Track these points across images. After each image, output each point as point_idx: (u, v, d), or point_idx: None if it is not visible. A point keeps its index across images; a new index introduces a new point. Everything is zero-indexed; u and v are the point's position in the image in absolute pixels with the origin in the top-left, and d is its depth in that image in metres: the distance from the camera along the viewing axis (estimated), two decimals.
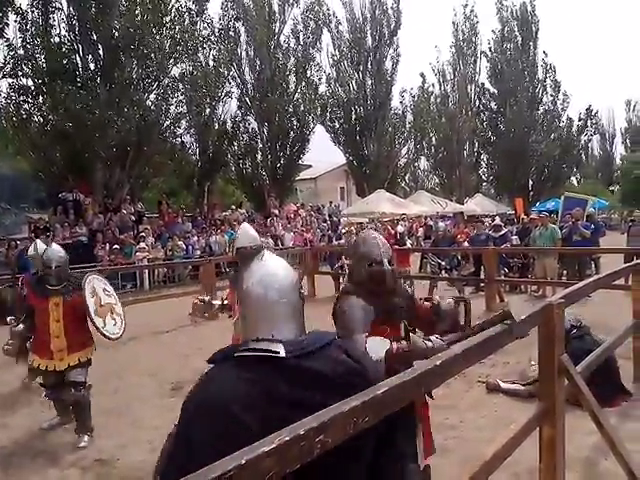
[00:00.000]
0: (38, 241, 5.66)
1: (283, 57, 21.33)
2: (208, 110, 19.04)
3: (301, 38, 21.79)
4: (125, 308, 5.02)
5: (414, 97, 27.09)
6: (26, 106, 14.34)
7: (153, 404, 4.84)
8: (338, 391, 1.26)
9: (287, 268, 1.42)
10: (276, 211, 19.85)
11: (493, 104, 28.93)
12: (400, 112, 26.27)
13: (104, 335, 4.19)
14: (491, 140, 29.05)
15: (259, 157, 21.78)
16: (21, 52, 13.91)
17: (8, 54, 13.70)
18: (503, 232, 10.36)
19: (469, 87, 29.42)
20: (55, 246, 4.39)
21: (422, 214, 20.59)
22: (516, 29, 27.99)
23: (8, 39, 13.68)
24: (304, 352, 1.28)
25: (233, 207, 20.20)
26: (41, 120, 14.59)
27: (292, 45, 21.75)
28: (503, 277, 9.54)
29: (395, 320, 2.40)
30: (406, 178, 33.06)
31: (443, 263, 9.70)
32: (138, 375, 5.80)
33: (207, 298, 4.67)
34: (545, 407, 2.68)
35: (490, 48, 28.47)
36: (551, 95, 28.29)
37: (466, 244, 10.03)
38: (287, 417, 1.16)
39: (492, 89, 28.84)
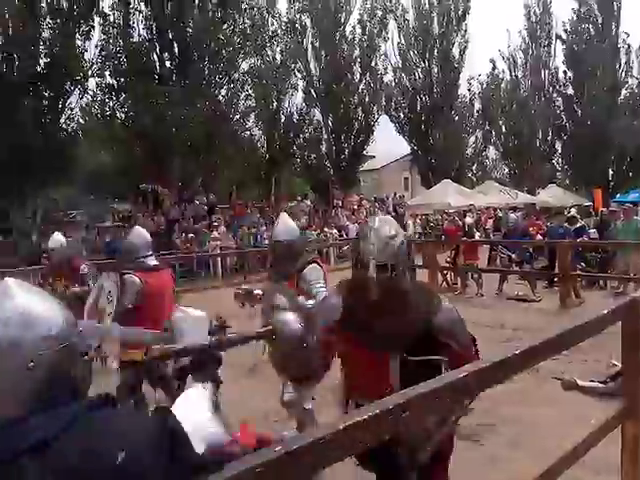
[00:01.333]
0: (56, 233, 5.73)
1: (348, 48, 21.33)
2: (275, 103, 19.49)
3: (367, 28, 21.66)
4: (199, 294, 5.30)
5: (482, 84, 26.11)
6: (110, 103, 15.40)
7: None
8: None
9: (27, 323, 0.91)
10: (340, 202, 20.00)
11: (569, 89, 27.24)
12: (468, 100, 25.44)
13: None
14: (566, 127, 27.41)
15: (324, 148, 22.02)
16: (104, 53, 14.94)
17: (94, 55, 14.77)
18: (579, 225, 9.87)
19: (542, 72, 27.87)
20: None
21: (491, 205, 19.88)
22: (596, 8, 26.10)
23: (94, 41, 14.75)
24: None
25: (299, 198, 20.58)
26: (123, 117, 15.62)
27: (358, 35, 21.69)
28: (579, 272, 9.10)
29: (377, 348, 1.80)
30: (473, 168, 32.02)
31: (514, 256, 9.40)
32: None
33: (247, 287, 4.43)
34: (628, 404, 2.63)
35: (566, 30, 26.77)
36: (636, 78, 26.19)
37: (539, 237, 9.65)
38: None
39: (568, 73, 27.16)
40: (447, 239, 11.02)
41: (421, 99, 24.51)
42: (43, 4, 13.50)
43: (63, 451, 0.81)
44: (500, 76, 27.72)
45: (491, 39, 46.18)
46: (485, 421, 3.85)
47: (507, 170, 31.20)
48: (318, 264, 3.30)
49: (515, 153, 28.15)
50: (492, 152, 32.82)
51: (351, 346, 1.86)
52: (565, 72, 27.36)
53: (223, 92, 16.89)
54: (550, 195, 23.53)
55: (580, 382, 4.47)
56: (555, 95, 27.90)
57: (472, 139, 26.06)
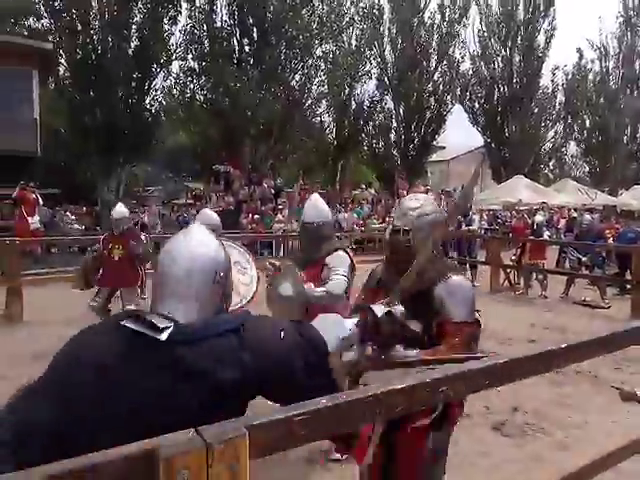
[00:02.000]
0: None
1: (426, 35, 20.86)
2: (347, 90, 19.55)
3: (447, 14, 21.05)
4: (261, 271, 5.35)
5: (568, 75, 24.59)
6: (191, 86, 16.19)
7: None
8: (194, 384, 1.11)
9: (210, 250, 1.29)
10: (404, 192, 19.80)
11: None
12: (550, 91, 24.08)
13: None
14: None
15: (392, 137, 21.83)
16: (189, 37, 15.69)
17: (179, 39, 15.56)
18: None
19: (637, 63, 25.76)
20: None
21: (566, 205, 18.89)
22: None
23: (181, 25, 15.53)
24: (186, 338, 1.14)
25: (363, 186, 20.64)
26: (202, 99, 16.38)
27: (437, 22, 21.14)
28: None
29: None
30: (551, 165, 30.40)
31: (584, 259, 8.97)
32: None
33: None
34: None
35: None
36: None
37: (611, 241, 9.14)
38: (120, 397, 1.09)
39: None
40: (514, 236, 10.69)
41: (499, 89, 23.55)
42: None
43: (245, 335, 1.19)
44: (588, 67, 25.98)
45: (579, 26, 43.00)
46: (535, 422, 3.86)
47: (587, 168, 29.34)
48: (346, 252, 3.24)
49: (598, 150, 26.38)
50: (573, 148, 31.01)
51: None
52: None
53: (297, 77, 17.22)
54: (635, 197, 21.92)
55: None
56: None
57: (551, 133, 24.70)
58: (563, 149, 29.06)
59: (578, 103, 24.50)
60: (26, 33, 15.26)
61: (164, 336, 1.11)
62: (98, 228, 14.40)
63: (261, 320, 1.31)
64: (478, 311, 2.02)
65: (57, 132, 16.22)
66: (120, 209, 5.86)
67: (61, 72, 14.48)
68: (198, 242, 1.30)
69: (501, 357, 1.65)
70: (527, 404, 4.13)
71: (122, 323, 1.15)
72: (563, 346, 1.83)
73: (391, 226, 2.07)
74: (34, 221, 10.39)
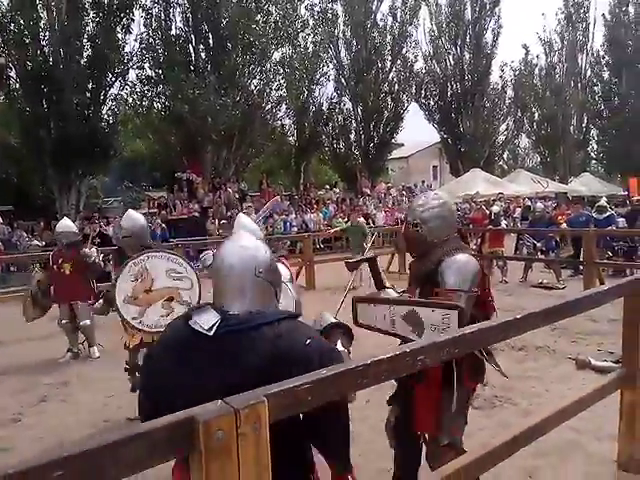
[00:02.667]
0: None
1: (379, 36, 21.41)
2: (306, 93, 19.80)
3: (398, 15, 21.66)
4: None
5: (515, 71, 25.72)
6: (148, 94, 16.04)
7: None
8: (225, 368, 1.37)
9: (249, 249, 1.53)
10: (367, 190, 20.24)
11: (606, 74, 26.55)
12: (500, 87, 25.14)
13: (132, 326, 3.50)
14: (603, 114, 26.78)
15: (352, 137, 22.25)
16: (144, 45, 15.55)
17: (134, 47, 15.40)
18: (608, 214, 9.91)
19: (579, 57, 27.21)
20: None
21: (521, 194, 19.80)
22: None
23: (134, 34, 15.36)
24: (232, 329, 1.40)
25: (327, 186, 20.95)
26: (160, 107, 16.26)
27: (389, 23, 21.73)
28: (605, 260, 9.19)
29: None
30: (505, 156, 31.65)
31: (539, 244, 9.54)
32: None
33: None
34: (627, 372, 2.91)
35: (604, 13, 26.02)
36: None
37: (564, 226, 9.75)
38: (183, 379, 1.41)
39: (607, 58, 26.43)
40: (473, 227, 11.20)
41: (452, 86, 24.38)
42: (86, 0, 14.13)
43: (281, 329, 1.43)
44: (534, 62, 27.23)
45: (524, 24, 44.93)
46: (502, 394, 4.20)
47: (539, 158, 30.73)
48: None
49: (548, 141, 27.70)
50: (524, 140, 32.42)
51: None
52: (603, 56, 26.67)
53: (255, 82, 17.33)
54: (583, 184, 23.17)
55: (594, 362, 4.73)
56: (593, 80, 27.23)
57: (503, 127, 25.76)
58: (515, 141, 30.33)
59: (527, 97, 25.61)
60: None
61: (211, 332, 1.41)
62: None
63: (299, 325, 1.54)
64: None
65: (8, 146, 15.72)
66: (64, 222, 5.79)
67: (11, 84, 14.06)
68: (239, 244, 1.57)
69: (468, 328, 1.92)
70: (495, 380, 4.47)
71: (188, 322, 1.47)
72: (518, 317, 2.14)
73: (405, 222, 2.58)
74: None
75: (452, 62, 24.21)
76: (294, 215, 16.18)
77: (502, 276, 9.40)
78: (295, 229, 15.51)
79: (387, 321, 2.27)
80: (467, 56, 24.16)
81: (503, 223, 10.83)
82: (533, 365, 4.96)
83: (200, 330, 1.42)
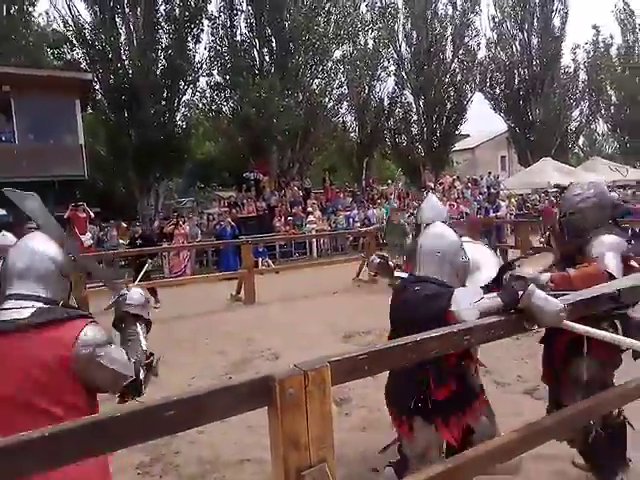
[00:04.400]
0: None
1: (440, 26, 21.06)
2: (367, 89, 19.93)
3: (458, 4, 21.20)
4: (298, 271, 5.88)
5: (589, 52, 24.24)
6: (217, 99, 16.90)
7: (329, 347, 5.89)
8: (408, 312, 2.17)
9: (444, 239, 2.34)
10: (431, 184, 20.00)
11: None
12: (572, 70, 23.83)
13: None
14: None
15: (414, 130, 22.06)
16: (212, 53, 16.40)
17: (203, 56, 16.30)
18: None
19: None
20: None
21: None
22: None
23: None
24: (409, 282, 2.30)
25: (389, 181, 20.94)
26: (228, 111, 17.08)
27: (450, 12, 21.31)
28: None
29: None
30: (580, 144, 29.90)
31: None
32: (317, 325, 6.93)
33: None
34: None
35: None
36: None
37: None
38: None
39: None
40: (544, 219, 10.86)
41: (519, 73, 23.45)
42: (160, 14, 15.14)
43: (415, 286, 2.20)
44: (608, 41, 25.49)
45: (592, 4, 41.91)
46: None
47: (618, 145, 28.74)
48: None
49: (627, 125, 25.84)
50: (602, 125, 30.42)
51: None
52: None
53: (317, 81, 17.70)
54: None
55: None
56: None
57: (576, 113, 24.38)
58: (592, 126, 28.55)
59: (603, 79, 24.07)
60: (60, 63, 16.24)
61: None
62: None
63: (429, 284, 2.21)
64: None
65: (96, 154, 17.20)
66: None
67: (97, 97, 15.37)
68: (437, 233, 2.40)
69: (505, 314, 2.05)
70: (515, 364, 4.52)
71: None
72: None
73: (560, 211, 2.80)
74: (86, 238, 11.08)
75: (519, 48, 23.27)
76: (356, 211, 16.39)
77: None
78: (358, 225, 15.72)
79: None
80: (535, 40, 23.11)
81: None
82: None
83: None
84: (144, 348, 1.82)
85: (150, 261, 8.69)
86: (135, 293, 1.97)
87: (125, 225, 13.49)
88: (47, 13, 17.50)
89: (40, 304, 1.64)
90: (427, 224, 3.35)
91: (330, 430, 1.52)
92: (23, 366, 1.54)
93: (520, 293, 1.95)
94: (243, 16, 16.58)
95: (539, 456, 2.65)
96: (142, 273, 6.14)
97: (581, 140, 29.57)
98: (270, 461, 1.51)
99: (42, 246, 1.74)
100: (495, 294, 2.04)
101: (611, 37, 25.68)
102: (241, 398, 1.42)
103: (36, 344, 1.55)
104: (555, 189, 16.03)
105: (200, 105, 17.29)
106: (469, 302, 2.03)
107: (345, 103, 19.29)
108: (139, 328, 1.89)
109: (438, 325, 1.84)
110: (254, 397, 1.44)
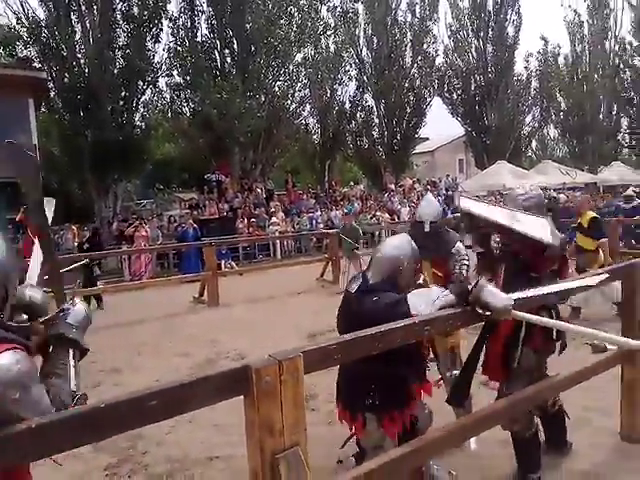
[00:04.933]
0: None
1: (400, 33, 21.57)
2: (329, 92, 20.15)
3: (417, 11, 21.80)
4: (262, 272, 5.87)
5: (540, 61, 25.41)
6: (177, 100, 16.68)
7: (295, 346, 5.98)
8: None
9: (398, 249, 2.53)
10: (392, 186, 20.43)
11: (637, 60, 25.92)
12: (524, 78, 24.91)
13: None
14: (634, 101, 26.17)
15: (375, 134, 22.48)
16: (172, 53, 16.18)
17: (163, 55, 16.06)
18: (635, 203, 9.92)
19: (606, 43, 26.65)
20: None
21: (548, 185, 19.59)
22: None
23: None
24: (364, 292, 2.39)
25: (352, 183, 21.25)
26: (189, 111, 16.89)
27: (409, 19, 21.88)
28: (627, 249, 9.22)
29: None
30: (533, 147, 31.21)
31: (562, 236, 9.60)
32: (281, 325, 7.00)
33: None
34: (627, 350, 3.14)
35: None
36: None
37: None
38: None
39: (635, 43, 25.81)
40: None
41: (475, 79, 24.30)
42: (118, 13, 14.81)
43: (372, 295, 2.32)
44: (556, 51, 26.82)
45: (544, 14, 44.15)
46: None
47: (567, 149, 30.22)
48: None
49: (575, 131, 27.24)
50: (553, 131, 31.89)
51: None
52: (630, 42, 26.08)
53: (279, 84, 17.77)
54: (614, 174, 22.69)
55: (609, 346, 4.92)
56: (622, 66, 26.62)
57: (529, 118, 25.52)
58: (544, 131, 29.86)
59: (552, 87, 25.25)
60: (13, 61, 15.62)
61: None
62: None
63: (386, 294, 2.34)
64: None
65: (49, 154, 16.62)
66: None
67: (51, 96, 14.87)
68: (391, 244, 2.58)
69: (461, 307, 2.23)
70: None
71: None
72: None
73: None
74: None
75: (475, 55, 24.13)
76: (319, 212, 16.55)
77: None
78: (321, 226, 15.88)
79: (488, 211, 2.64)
80: (490, 48, 24.03)
81: None
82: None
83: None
84: (72, 387, 1.47)
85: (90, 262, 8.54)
86: (79, 311, 1.65)
87: (74, 228, 13.13)
88: None
89: None
90: (427, 220, 3.64)
91: (303, 416, 1.62)
92: None
93: (470, 287, 2.13)
94: (204, 17, 16.47)
95: (507, 442, 2.86)
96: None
97: (534, 144, 30.87)
98: (237, 457, 1.61)
99: None
100: (447, 291, 2.22)
101: (559, 46, 27.01)
102: (220, 387, 1.51)
103: None
104: (508, 192, 16.71)
105: (159, 105, 17.03)
106: (424, 303, 2.19)
107: (307, 105, 19.45)
108: (71, 358, 1.53)
109: None
110: (232, 386, 1.54)
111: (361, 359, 2.00)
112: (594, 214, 6.73)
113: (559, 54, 26.98)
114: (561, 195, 10.88)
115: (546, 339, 2.75)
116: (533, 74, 25.26)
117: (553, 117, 27.56)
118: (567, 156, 30.69)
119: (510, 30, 24.07)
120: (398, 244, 2.52)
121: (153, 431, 3.71)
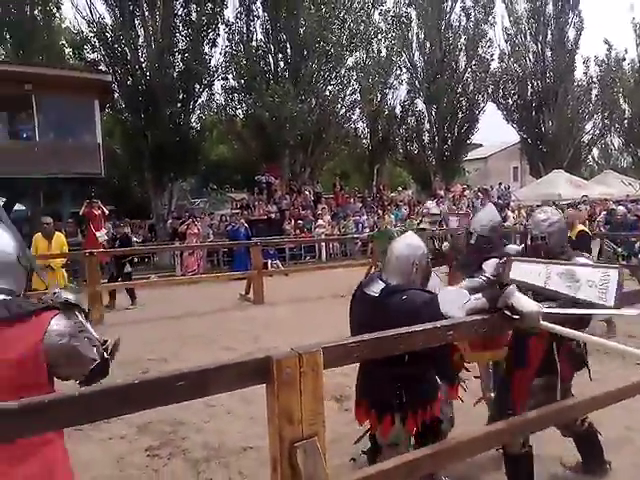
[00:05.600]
0: None
1: (453, 36, 21.23)
2: (379, 96, 20.14)
3: (472, 14, 21.35)
4: (307, 273, 5.98)
5: (601, 66, 24.20)
6: (232, 103, 17.23)
7: None
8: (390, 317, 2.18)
9: (410, 246, 2.54)
10: (441, 192, 20.08)
11: None
12: (585, 83, 23.81)
13: None
14: None
15: (426, 139, 22.21)
16: (228, 58, 16.74)
17: (219, 60, 16.64)
18: None
19: None
20: None
21: (609, 197, 18.64)
22: None
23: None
24: (389, 293, 2.38)
25: (400, 188, 21.08)
26: (242, 114, 17.40)
27: (463, 23, 21.49)
28: None
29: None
30: (595, 156, 29.77)
31: (620, 250, 9.16)
32: (322, 325, 7.05)
33: None
34: None
35: None
36: None
37: None
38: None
39: None
40: None
41: (532, 85, 23.50)
42: (178, 18, 15.49)
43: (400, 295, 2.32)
44: (621, 55, 25.44)
45: (605, 18, 41.76)
46: None
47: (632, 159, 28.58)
48: None
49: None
50: (617, 140, 30.25)
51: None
52: None
53: (330, 88, 17.97)
54: None
55: None
56: None
57: (589, 125, 24.36)
58: (607, 139, 28.40)
59: (615, 93, 24.00)
60: (81, 64, 16.64)
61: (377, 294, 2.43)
62: (153, 239, 15.68)
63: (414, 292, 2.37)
64: None
65: (112, 153, 17.59)
66: None
67: (115, 97, 15.74)
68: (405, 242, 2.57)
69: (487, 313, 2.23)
70: None
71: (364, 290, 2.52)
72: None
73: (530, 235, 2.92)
74: (101, 234, 11.31)
75: (532, 59, 23.33)
76: (366, 216, 16.55)
77: None
78: (367, 230, 15.85)
79: (542, 277, 2.50)
80: (548, 53, 23.16)
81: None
82: (596, 368, 4.97)
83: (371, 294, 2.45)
84: (94, 333, 1.72)
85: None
86: (67, 293, 1.79)
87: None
88: (72, 14, 17.98)
89: (3, 296, 1.63)
90: (476, 232, 3.46)
91: (321, 409, 1.70)
92: None
93: (500, 292, 2.14)
94: (259, 22, 16.93)
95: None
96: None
97: (595, 153, 29.45)
98: (268, 449, 1.71)
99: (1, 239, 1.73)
100: (480, 295, 2.23)
101: (625, 51, 25.64)
102: (243, 374, 1.62)
103: (6, 338, 1.52)
104: (565, 201, 16.04)
105: (214, 108, 17.63)
106: (454, 304, 2.19)
107: (357, 110, 19.50)
108: (81, 317, 1.73)
109: None
110: (255, 374, 1.64)
111: (387, 360, 2.05)
112: (583, 227, 6.43)
113: (624, 59, 25.62)
114: (620, 207, 10.33)
115: (572, 367, 2.70)
116: (594, 79, 24.09)
117: (616, 125, 26.13)
118: (631, 166, 29.04)
119: (571, 34, 23.14)
120: (410, 242, 2.54)
121: (194, 419, 3.97)
